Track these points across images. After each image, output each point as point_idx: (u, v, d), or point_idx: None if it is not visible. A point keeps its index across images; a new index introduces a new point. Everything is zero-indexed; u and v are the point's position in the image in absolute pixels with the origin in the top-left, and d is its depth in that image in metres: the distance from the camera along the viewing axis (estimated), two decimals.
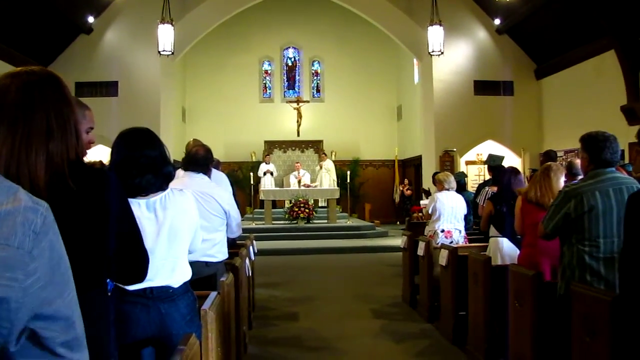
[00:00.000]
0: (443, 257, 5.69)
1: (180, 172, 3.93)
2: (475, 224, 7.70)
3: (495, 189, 6.22)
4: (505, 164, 7.40)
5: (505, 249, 5.35)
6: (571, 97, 13.95)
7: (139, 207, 2.42)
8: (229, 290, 3.54)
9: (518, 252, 5.21)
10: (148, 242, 2.33)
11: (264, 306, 7.45)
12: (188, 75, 20.77)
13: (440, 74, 15.42)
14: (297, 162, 18.56)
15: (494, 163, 7.55)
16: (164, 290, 2.42)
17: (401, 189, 19.75)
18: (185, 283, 2.53)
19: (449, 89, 15.41)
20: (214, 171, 5.11)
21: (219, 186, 4.22)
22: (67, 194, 1.44)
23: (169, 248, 2.46)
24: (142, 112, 14.54)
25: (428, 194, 12.20)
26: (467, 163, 15.66)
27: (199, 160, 4.01)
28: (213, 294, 3.01)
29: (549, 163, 4.49)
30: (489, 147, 14.84)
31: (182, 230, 2.52)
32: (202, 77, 20.79)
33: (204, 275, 3.79)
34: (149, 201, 2.47)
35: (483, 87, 15.54)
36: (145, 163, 2.43)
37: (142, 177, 2.42)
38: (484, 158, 11.34)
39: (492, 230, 5.58)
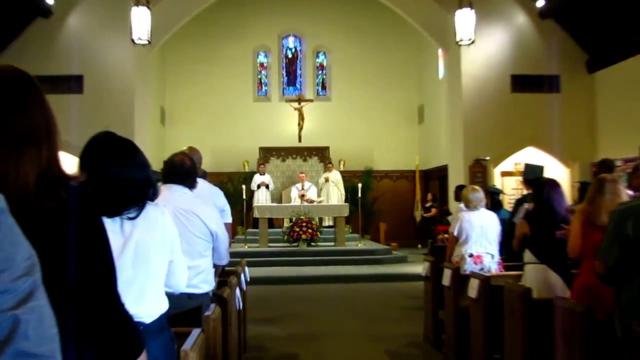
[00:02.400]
0: (473, 288, 5.67)
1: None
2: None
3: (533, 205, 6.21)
4: (549, 175, 7.41)
5: (544, 278, 5.33)
6: (631, 94, 13.89)
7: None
8: (215, 327, 3.53)
9: (560, 281, 5.21)
10: None
11: (258, 346, 7.42)
12: (168, 69, 20.90)
13: (471, 68, 15.44)
14: (301, 173, 18.59)
15: (532, 175, 7.55)
16: None
17: (426, 205, 19.73)
18: (159, 318, 2.52)
19: (481, 85, 15.41)
20: (205, 184, 5.14)
21: (205, 203, 4.22)
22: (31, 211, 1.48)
23: (135, 268, 2.44)
24: (112, 112, 14.54)
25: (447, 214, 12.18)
26: (503, 175, 15.64)
27: (183, 170, 4.00)
28: (196, 332, 2.99)
29: (603, 175, 4.49)
30: (530, 156, 14.80)
31: (152, 247, 2.51)
32: (185, 72, 20.91)
33: (187, 309, 3.80)
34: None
35: (523, 83, 15.53)
36: (128, 187, 2.44)
37: (123, 206, 2.44)
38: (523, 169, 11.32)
39: (528, 255, 5.57)
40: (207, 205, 4.18)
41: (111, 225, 2.43)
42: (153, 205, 2.60)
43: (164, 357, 2.46)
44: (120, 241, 2.45)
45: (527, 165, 8.15)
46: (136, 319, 2.39)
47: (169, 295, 2.67)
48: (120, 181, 2.43)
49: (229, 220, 5.29)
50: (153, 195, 2.57)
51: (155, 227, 2.55)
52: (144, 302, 2.46)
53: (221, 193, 5.33)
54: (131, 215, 2.46)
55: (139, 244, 2.47)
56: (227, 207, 5.27)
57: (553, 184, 5.62)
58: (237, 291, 5.44)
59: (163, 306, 2.57)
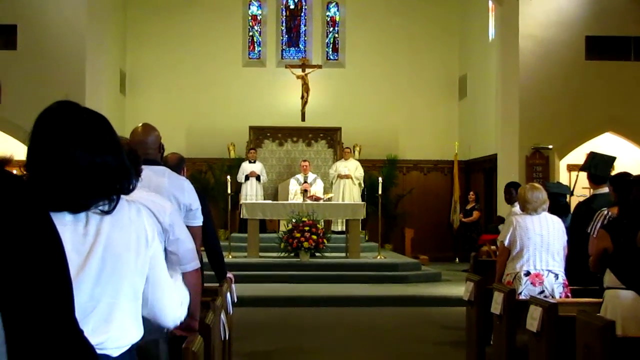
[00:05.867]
0: (534, 318, 5.64)
1: None
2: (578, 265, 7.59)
3: (616, 211, 6.16)
4: (625, 170, 7.34)
5: (632, 307, 5.28)
6: None
7: (62, 217, 2.40)
8: None
9: None
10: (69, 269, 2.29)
11: None
12: (130, 22, 20.92)
13: (531, 27, 15.40)
14: (303, 161, 18.62)
15: (595, 170, 7.51)
16: None
17: (467, 207, 19.69)
18: (129, 351, 2.50)
19: (545, 50, 15.36)
20: (172, 175, 5.08)
21: (160, 195, 4.18)
22: None
23: (101, 282, 2.42)
24: (56, 75, 14.53)
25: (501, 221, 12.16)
26: (571, 169, 15.59)
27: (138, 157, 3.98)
28: None
29: None
30: (607, 144, 14.73)
31: (125, 253, 2.49)
32: (153, 26, 20.91)
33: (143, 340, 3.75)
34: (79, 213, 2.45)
35: (600, 47, 15.48)
36: (100, 174, 2.42)
37: (92, 197, 2.42)
38: None
39: (609, 278, 5.52)
40: (157, 195, 4.14)
41: (73, 224, 2.42)
42: (127, 202, 2.58)
43: None
44: (82, 245, 2.42)
45: (593, 155, 8.10)
46: (100, 350, 2.35)
47: None
48: (91, 167, 2.40)
49: (199, 222, 5.17)
50: (128, 188, 2.54)
51: (129, 227, 2.53)
52: (111, 327, 2.44)
53: (191, 187, 5.22)
54: (104, 209, 2.44)
55: (107, 248, 2.44)
56: (197, 205, 5.15)
57: None
58: (222, 316, 5.41)
59: (135, 333, 2.54)
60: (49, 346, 1.65)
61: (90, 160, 2.40)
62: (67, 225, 2.40)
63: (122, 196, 2.55)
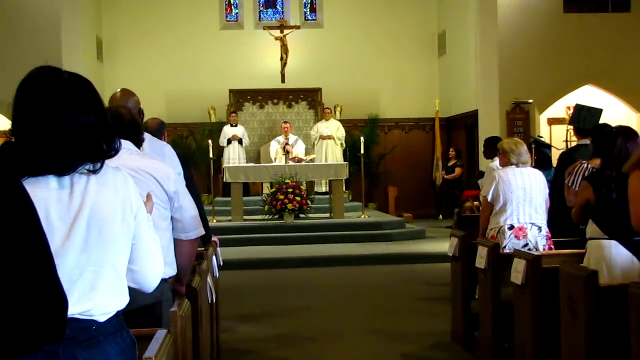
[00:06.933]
0: (517, 271, 5.67)
1: None
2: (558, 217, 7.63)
3: (597, 163, 6.18)
4: (607, 122, 7.35)
5: (615, 257, 5.32)
6: None
7: (46, 183, 2.39)
8: (184, 327, 3.52)
9: (637, 262, 5.20)
10: (55, 238, 2.32)
11: (235, 351, 7.43)
12: None
13: None
14: (284, 122, 18.60)
15: (587, 122, 7.52)
16: (83, 327, 2.38)
17: (448, 163, 19.73)
18: (116, 315, 2.51)
19: (523, 4, 15.31)
20: (153, 140, 5.06)
21: (157, 158, 4.18)
22: None
23: (87, 249, 2.43)
24: (32, 44, 14.39)
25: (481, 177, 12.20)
26: (551, 122, 15.64)
27: (124, 123, 3.97)
28: (161, 334, 2.97)
29: None
30: (588, 97, 14.76)
31: (111, 218, 2.49)
32: None
33: (141, 305, 3.75)
34: (64, 177, 2.44)
35: (578, 0, 15.43)
36: (84, 134, 2.42)
37: (77, 159, 2.41)
38: None
39: (592, 229, 5.56)
40: (161, 161, 4.14)
41: (58, 191, 2.42)
42: (113, 169, 2.58)
43: None
44: (67, 213, 2.41)
45: (580, 108, 8.12)
46: (86, 317, 2.37)
47: None
48: (75, 127, 2.40)
49: None
50: (112, 151, 2.54)
51: (115, 194, 2.52)
52: (97, 294, 2.44)
53: (172, 152, 5.20)
54: (89, 168, 2.45)
55: (93, 213, 2.44)
56: (179, 170, 5.13)
57: (629, 134, 5.56)
58: (209, 280, 5.43)
59: (121, 300, 2.55)
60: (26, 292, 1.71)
61: (74, 119, 2.41)
62: (52, 192, 2.40)
63: (109, 165, 2.56)
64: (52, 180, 2.41)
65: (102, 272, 2.47)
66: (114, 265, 2.52)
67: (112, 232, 2.49)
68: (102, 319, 2.44)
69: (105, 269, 2.48)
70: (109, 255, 2.49)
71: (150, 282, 2.76)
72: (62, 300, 1.82)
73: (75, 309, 2.35)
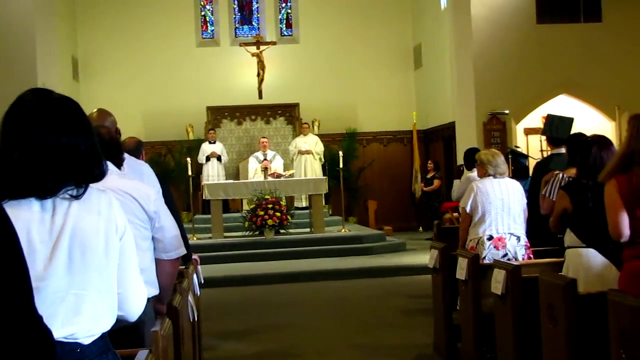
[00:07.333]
0: (498, 281, 5.68)
1: None
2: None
3: (573, 172, 6.22)
4: (581, 130, 7.42)
5: (593, 265, 5.36)
6: None
7: (29, 205, 2.39)
8: (165, 346, 3.50)
9: (615, 270, 5.23)
10: (37, 261, 2.32)
11: None
12: (80, 7, 20.59)
13: None
14: (262, 138, 18.65)
15: (556, 132, 7.57)
16: (67, 350, 2.37)
17: (427, 176, 19.77)
18: (101, 337, 2.50)
19: (497, 15, 15.40)
20: (131, 160, 5.05)
21: (137, 179, 4.18)
22: None
23: (70, 273, 2.41)
24: (7, 65, 14.31)
25: (461, 173, 12.20)
26: (528, 132, 15.72)
27: (104, 143, 3.94)
28: (142, 354, 2.97)
29: None
30: (563, 107, 14.86)
31: (93, 240, 2.47)
32: (104, 10, 20.58)
33: (124, 325, 3.74)
34: (46, 200, 2.44)
35: (551, 11, 15.54)
36: (67, 155, 2.41)
37: (59, 181, 2.41)
38: None
39: (570, 237, 5.60)
40: (140, 181, 4.14)
41: (40, 214, 2.41)
42: (97, 191, 2.57)
43: None
44: (50, 236, 2.40)
45: (551, 118, 8.18)
46: (70, 340, 2.36)
47: None
48: (57, 147, 2.40)
49: None
50: (99, 176, 2.53)
51: (98, 217, 2.51)
52: (81, 318, 2.43)
53: (150, 172, 5.20)
54: (72, 194, 2.43)
55: (75, 236, 2.43)
56: (158, 189, 5.13)
57: (604, 143, 5.61)
58: (190, 298, 5.41)
59: (107, 322, 2.53)
60: (6, 330, 1.65)
61: (54, 139, 2.40)
62: (34, 214, 2.40)
63: (93, 187, 2.55)
64: (34, 204, 2.40)
65: (86, 295, 2.45)
66: (98, 288, 2.50)
67: (95, 255, 2.48)
68: (86, 341, 2.43)
69: (89, 292, 2.46)
70: (93, 279, 2.47)
71: (134, 308, 2.72)
72: (45, 334, 1.78)
73: (59, 333, 2.33)
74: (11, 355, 1.63)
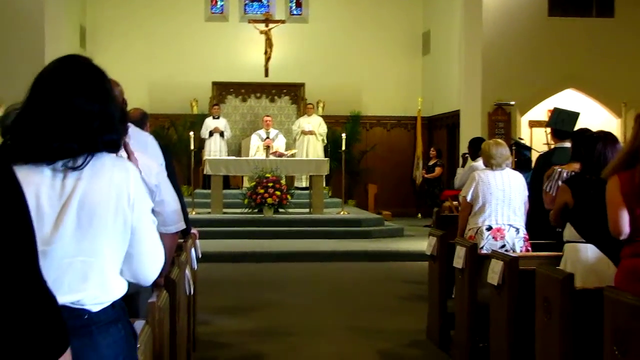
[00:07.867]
0: (494, 272, 5.68)
1: None
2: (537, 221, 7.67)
3: (576, 167, 6.20)
4: (586, 126, 7.40)
5: (591, 260, 5.36)
6: None
7: (40, 171, 2.40)
8: (162, 318, 3.50)
9: (612, 266, 5.23)
10: (44, 225, 2.33)
11: (211, 343, 7.42)
12: None
13: None
14: (266, 116, 18.60)
15: (562, 125, 7.55)
16: (74, 316, 2.37)
17: (429, 163, 19.75)
18: (113, 305, 2.50)
19: (508, 6, 15.34)
20: (135, 130, 5.04)
21: (140, 150, 4.17)
22: None
23: (77, 239, 2.41)
24: (15, 31, 14.27)
25: (465, 161, 12.19)
26: (533, 124, 15.69)
27: None
28: (138, 324, 2.99)
29: None
30: (569, 101, 14.82)
31: (102, 210, 2.46)
32: None
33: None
34: (57, 164, 2.43)
35: (564, 5, 15.49)
36: (79, 121, 2.41)
37: (66, 142, 2.40)
38: None
39: (570, 232, 5.59)
40: (143, 153, 4.12)
41: (51, 179, 2.42)
42: (112, 158, 2.56)
43: (113, 357, 2.44)
44: (59, 201, 2.40)
45: (558, 111, 8.14)
46: (77, 306, 2.36)
47: None
48: (67, 108, 2.41)
49: None
50: (109, 144, 2.52)
51: (109, 184, 2.49)
52: (88, 285, 2.43)
53: (154, 143, 5.18)
54: (75, 164, 2.43)
55: (84, 202, 2.42)
56: (161, 160, 5.12)
57: (609, 140, 5.59)
58: (187, 272, 5.42)
59: (117, 291, 2.53)
60: (8, 291, 1.64)
61: (68, 100, 2.42)
62: (45, 179, 2.40)
63: (110, 155, 2.54)
64: (46, 169, 2.41)
65: (94, 262, 2.45)
66: (107, 256, 2.49)
67: (104, 224, 2.46)
68: (95, 309, 2.43)
69: (97, 259, 2.46)
70: (101, 247, 2.47)
71: (148, 272, 2.68)
72: (47, 296, 1.76)
73: (65, 299, 2.33)
74: (12, 317, 1.63)
